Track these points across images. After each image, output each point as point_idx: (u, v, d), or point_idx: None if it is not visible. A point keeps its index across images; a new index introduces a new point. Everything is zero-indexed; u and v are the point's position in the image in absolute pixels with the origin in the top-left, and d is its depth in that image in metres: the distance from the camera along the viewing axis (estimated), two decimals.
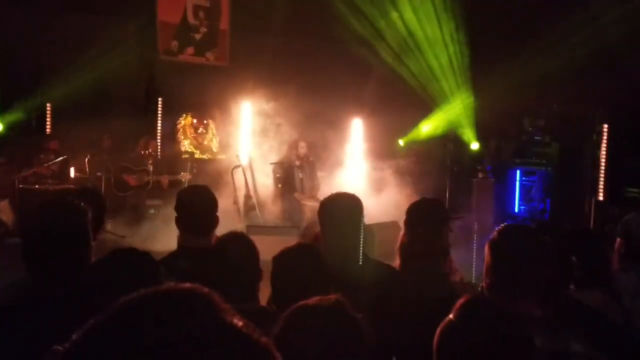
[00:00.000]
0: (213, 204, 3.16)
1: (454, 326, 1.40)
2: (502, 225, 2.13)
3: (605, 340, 2.09)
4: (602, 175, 9.69)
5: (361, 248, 2.83)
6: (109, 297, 0.78)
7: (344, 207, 2.86)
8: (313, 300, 1.48)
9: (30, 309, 2.12)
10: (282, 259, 2.35)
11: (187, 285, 0.77)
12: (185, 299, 0.74)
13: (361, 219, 2.85)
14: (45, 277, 2.22)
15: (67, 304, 1.99)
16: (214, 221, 3.12)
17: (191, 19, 11.28)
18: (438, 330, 1.42)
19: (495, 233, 2.11)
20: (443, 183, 10.99)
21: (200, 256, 2.93)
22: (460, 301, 1.43)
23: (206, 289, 0.77)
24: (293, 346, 1.37)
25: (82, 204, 2.41)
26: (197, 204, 3.13)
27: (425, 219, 2.90)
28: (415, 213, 2.94)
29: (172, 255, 3.10)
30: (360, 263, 2.78)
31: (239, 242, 2.91)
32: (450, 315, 1.43)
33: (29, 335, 1.95)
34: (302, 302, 1.49)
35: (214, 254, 2.88)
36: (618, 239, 3.44)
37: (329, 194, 3.02)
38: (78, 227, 2.31)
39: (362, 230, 2.83)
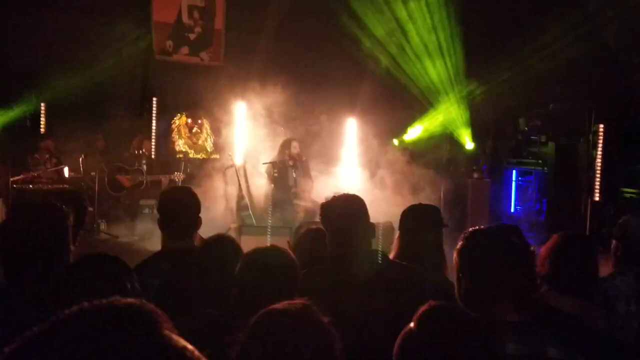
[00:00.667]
0: (195, 205, 3.11)
1: (414, 335, 1.35)
2: (467, 231, 2.08)
3: (582, 344, 2.06)
4: (598, 175, 9.64)
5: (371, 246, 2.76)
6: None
7: (347, 207, 2.76)
8: (280, 304, 1.45)
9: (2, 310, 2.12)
10: (248, 259, 2.29)
11: (132, 300, 0.75)
12: (126, 316, 0.72)
13: (366, 218, 2.75)
14: (21, 278, 2.21)
15: (40, 306, 1.97)
16: (196, 223, 3.08)
17: (186, 19, 11.27)
18: (398, 339, 1.37)
19: (461, 240, 2.06)
20: (438, 183, 10.93)
21: (181, 258, 2.91)
22: (422, 309, 1.38)
23: (151, 306, 0.75)
24: (260, 352, 1.35)
25: (64, 206, 2.40)
26: (178, 206, 3.10)
27: (422, 225, 2.87)
28: (410, 218, 2.92)
29: (154, 257, 3.08)
30: (368, 262, 2.66)
31: (224, 245, 2.89)
32: (411, 324, 1.38)
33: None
34: (269, 307, 1.46)
35: (196, 256, 2.86)
36: (614, 242, 3.39)
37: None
38: (57, 229, 2.30)
39: (366, 229, 2.74)
